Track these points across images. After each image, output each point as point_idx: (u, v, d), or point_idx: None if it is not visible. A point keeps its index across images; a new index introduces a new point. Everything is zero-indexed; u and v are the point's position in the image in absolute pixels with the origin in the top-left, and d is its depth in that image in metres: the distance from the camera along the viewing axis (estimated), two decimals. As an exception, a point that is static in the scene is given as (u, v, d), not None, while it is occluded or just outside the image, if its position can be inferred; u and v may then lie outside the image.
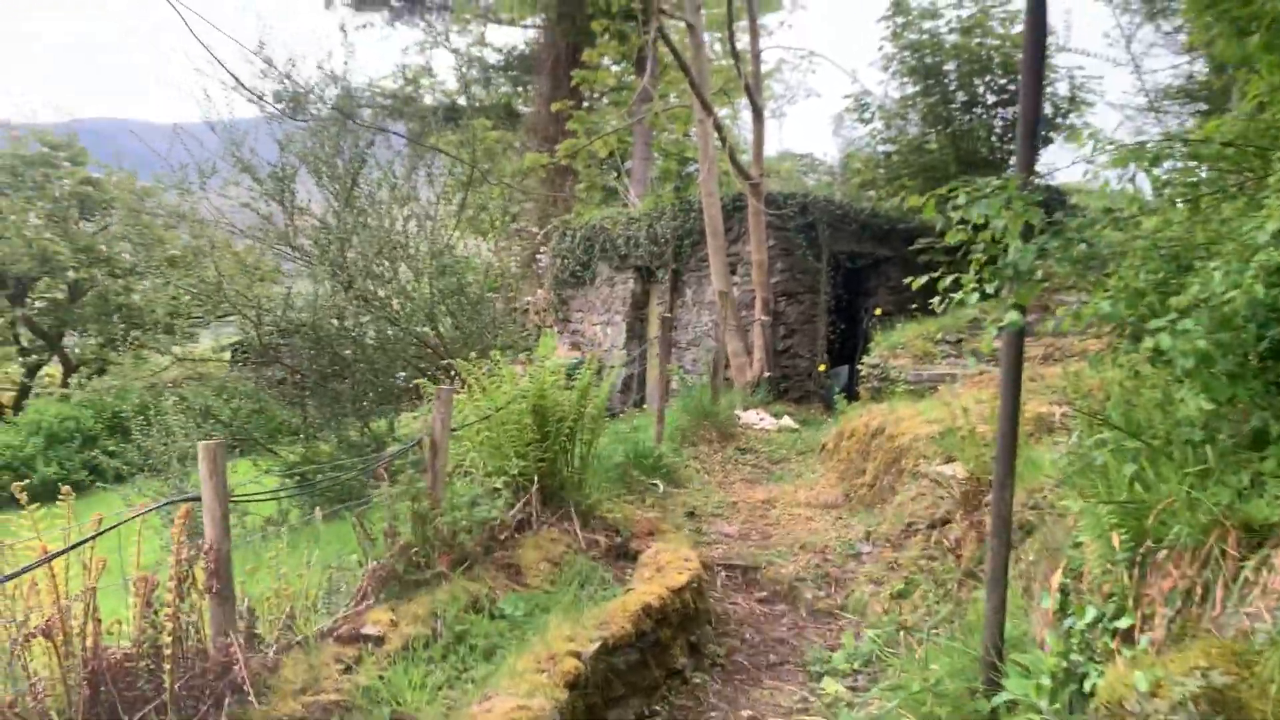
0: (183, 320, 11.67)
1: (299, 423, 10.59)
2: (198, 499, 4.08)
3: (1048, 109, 14.52)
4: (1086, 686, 3.23)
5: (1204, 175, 3.72)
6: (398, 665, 4.31)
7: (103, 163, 24.23)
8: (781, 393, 14.60)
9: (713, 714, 5.07)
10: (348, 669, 4.23)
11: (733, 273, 15.10)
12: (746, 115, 17.16)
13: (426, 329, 11.00)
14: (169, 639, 3.71)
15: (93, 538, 3.59)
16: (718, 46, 24.97)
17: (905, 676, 4.49)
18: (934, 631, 5.10)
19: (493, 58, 31.91)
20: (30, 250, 21.57)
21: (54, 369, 25.20)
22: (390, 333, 10.98)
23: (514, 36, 34.50)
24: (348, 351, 10.71)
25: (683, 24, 15.52)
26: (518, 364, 8.40)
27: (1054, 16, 18.89)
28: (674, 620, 5.33)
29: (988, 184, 3.30)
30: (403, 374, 11.15)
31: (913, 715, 4.02)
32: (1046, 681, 3.40)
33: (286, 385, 11.13)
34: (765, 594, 6.71)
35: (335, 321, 10.66)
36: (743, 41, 16.28)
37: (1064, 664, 3.38)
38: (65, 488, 3.78)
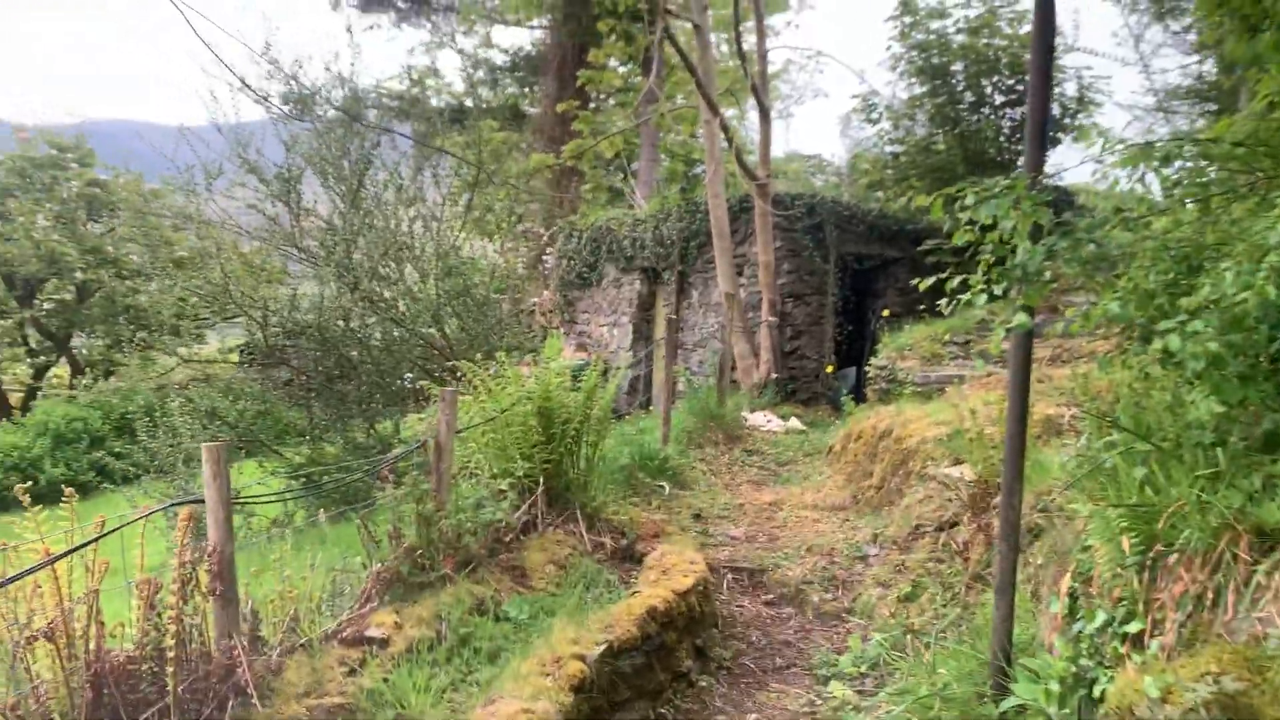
0: (188, 322, 11.65)
1: (305, 424, 10.58)
2: (201, 501, 4.06)
3: (1055, 109, 14.46)
4: (1096, 692, 3.20)
5: (1214, 175, 3.68)
6: (402, 668, 4.29)
7: (110, 164, 24.29)
8: (788, 394, 14.56)
9: (719, 718, 5.05)
10: (352, 672, 4.22)
11: (739, 274, 15.07)
12: (753, 116, 17.13)
13: (432, 330, 10.99)
14: (172, 641, 3.70)
15: (95, 540, 3.58)
16: (724, 47, 24.94)
17: (913, 680, 4.46)
18: (941, 635, 5.08)
19: (499, 59, 31.93)
20: (38, 251, 21.65)
21: (62, 370, 25.27)
22: (396, 334, 10.96)
23: (520, 37, 34.56)
24: (354, 353, 10.69)
25: (689, 24, 15.49)
26: (524, 365, 8.39)
27: (1062, 16, 18.88)
28: (680, 623, 5.31)
29: (996, 184, 3.28)
30: (409, 375, 11.14)
31: (920, 720, 4.00)
32: (1055, 686, 3.37)
33: (293, 386, 11.13)
34: (772, 597, 6.68)
35: (341, 323, 10.64)
36: (749, 42, 16.27)
37: (1073, 669, 3.35)
38: (68, 489, 3.77)
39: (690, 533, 7.48)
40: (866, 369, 12.48)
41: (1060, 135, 14.87)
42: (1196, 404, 3.37)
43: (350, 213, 10.70)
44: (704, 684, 5.34)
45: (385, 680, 4.17)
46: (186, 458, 9.37)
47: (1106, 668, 3.25)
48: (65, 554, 3.50)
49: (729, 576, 6.90)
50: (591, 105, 26.96)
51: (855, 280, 16.29)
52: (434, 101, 31.33)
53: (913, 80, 15.61)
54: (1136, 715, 2.78)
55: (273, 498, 7.38)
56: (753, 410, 12.92)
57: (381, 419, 10.98)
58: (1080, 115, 14.92)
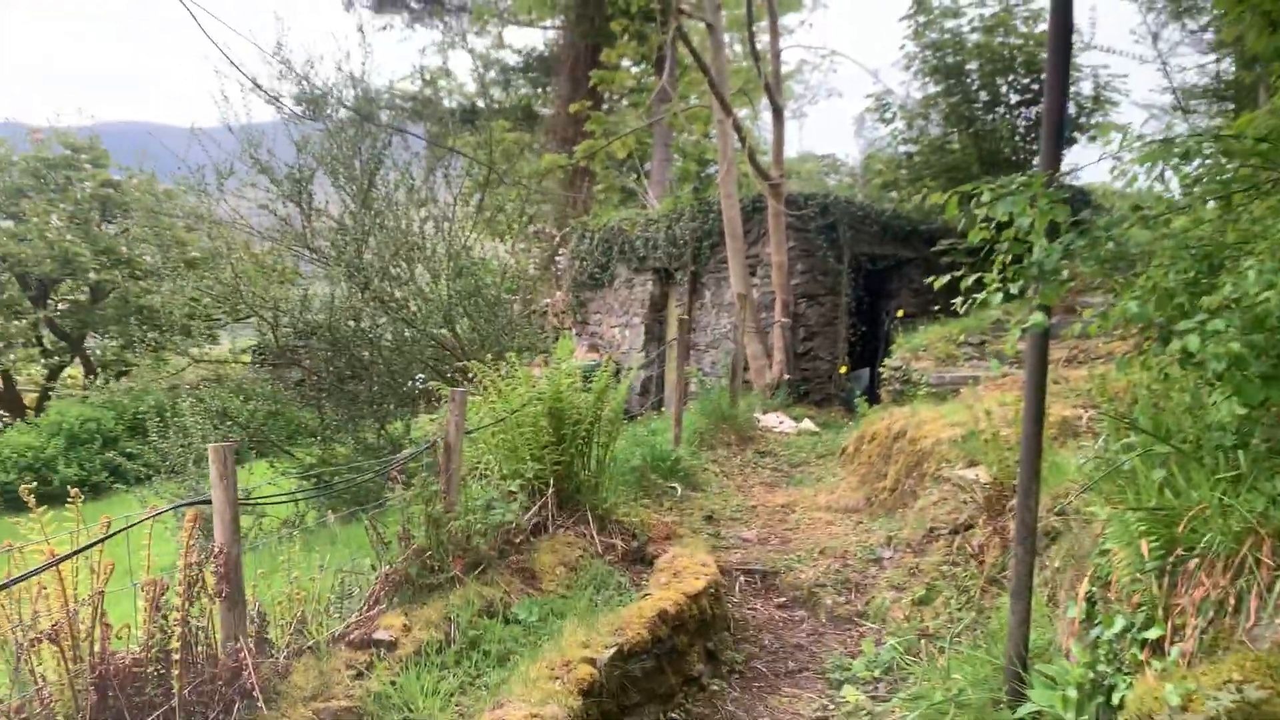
0: (199, 322, 11.67)
1: (316, 425, 10.58)
2: (209, 502, 4.04)
3: (1072, 108, 14.37)
4: (1114, 699, 3.14)
5: (1235, 172, 3.61)
6: (410, 671, 4.26)
7: (123, 165, 24.38)
8: (801, 395, 14.51)
9: (730, 722, 5.00)
10: (359, 675, 4.18)
11: (752, 274, 15.03)
12: (767, 116, 17.11)
13: (443, 331, 10.98)
14: (178, 644, 3.67)
15: (100, 541, 3.56)
16: (738, 47, 24.93)
17: (927, 685, 4.41)
18: (956, 639, 5.02)
19: (511, 59, 32.00)
20: (53, 252, 21.73)
21: (76, 370, 25.36)
22: (407, 334, 10.95)
23: (533, 38, 34.60)
24: (365, 353, 10.69)
25: (702, 24, 15.46)
26: (535, 366, 8.36)
27: (1079, 14, 18.72)
28: (691, 626, 5.26)
29: (1012, 180, 3.23)
30: (420, 376, 11.14)
31: (934, 726, 3.94)
32: (1073, 693, 3.31)
33: (304, 387, 11.14)
34: (784, 600, 6.63)
35: (352, 323, 10.64)
36: (763, 41, 16.23)
37: (1091, 675, 3.30)
38: (74, 490, 3.75)
39: (702, 535, 7.43)
40: (880, 370, 12.42)
41: (1076, 135, 14.79)
42: (1217, 405, 3.32)
43: (361, 213, 10.70)
44: (715, 688, 5.28)
45: (393, 683, 4.13)
46: (197, 458, 9.37)
47: (1125, 674, 3.20)
48: (70, 555, 3.48)
49: (741, 579, 6.85)
50: (604, 105, 26.95)
51: (869, 281, 16.22)
52: (446, 102, 31.42)
53: (927, 79, 15.56)
54: (1157, 724, 2.72)
55: (282, 498, 7.36)
56: (765, 411, 12.87)
57: (392, 419, 10.98)
58: (1096, 114, 14.84)
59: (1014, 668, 3.73)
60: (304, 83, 11.33)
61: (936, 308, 10.61)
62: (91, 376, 23.42)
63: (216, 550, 3.90)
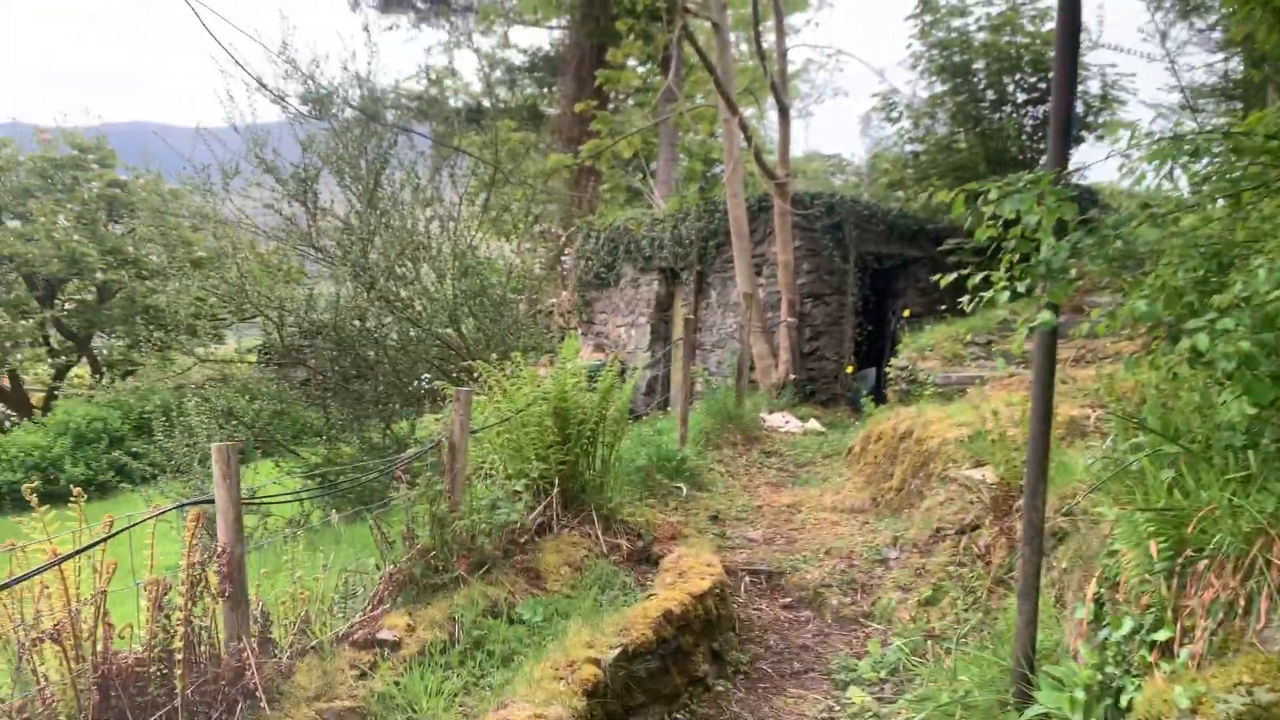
0: (205, 322, 11.66)
1: (321, 424, 10.58)
2: (213, 501, 4.03)
3: (1079, 107, 14.32)
4: (1123, 701, 3.11)
5: (1245, 170, 3.58)
6: (414, 671, 4.24)
7: (129, 165, 24.42)
8: (807, 395, 14.48)
9: (735, 723, 4.98)
10: (363, 675, 4.17)
11: (758, 274, 15.00)
12: (773, 115, 17.00)
13: (449, 330, 10.97)
14: (180, 643, 3.66)
15: (103, 540, 3.54)
16: (743, 46, 24.88)
17: (933, 687, 4.38)
18: (963, 640, 4.99)
19: (517, 59, 31.99)
20: (60, 252, 21.75)
21: (83, 370, 25.40)
22: (413, 334, 10.95)
23: (539, 38, 34.62)
24: (370, 352, 10.69)
25: (708, 23, 15.44)
26: (541, 366, 8.34)
27: (1086, 12, 18.68)
28: (696, 626, 5.24)
29: (1020, 178, 3.20)
30: (426, 376, 11.12)
31: (941, 727, 3.92)
32: (1080, 695, 3.28)
33: (310, 386, 11.13)
34: (790, 600, 6.60)
35: (358, 322, 10.64)
36: (768, 40, 16.17)
37: (1099, 677, 3.27)
38: (77, 489, 3.74)
39: (707, 535, 7.41)
40: (886, 370, 12.37)
41: (1084, 134, 14.72)
42: (1227, 405, 3.29)
43: (367, 212, 10.70)
44: (720, 689, 5.26)
45: (396, 684, 4.12)
46: (202, 457, 9.37)
47: (1134, 676, 3.17)
48: (72, 554, 3.47)
49: (746, 579, 6.83)
50: (610, 105, 26.94)
51: (875, 280, 16.19)
52: (452, 102, 31.42)
53: (933, 78, 15.50)
54: (1166, 726, 2.70)
55: (286, 498, 7.35)
56: (771, 411, 12.84)
57: (397, 419, 10.96)
58: (1104, 113, 14.78)
59: (1021, 669, 3.70)
60: (309, 82, 11.33)
61: (943, 307, 10.56)
62: (98, 376, 23.46)
63: (219, 549, 3.89)
